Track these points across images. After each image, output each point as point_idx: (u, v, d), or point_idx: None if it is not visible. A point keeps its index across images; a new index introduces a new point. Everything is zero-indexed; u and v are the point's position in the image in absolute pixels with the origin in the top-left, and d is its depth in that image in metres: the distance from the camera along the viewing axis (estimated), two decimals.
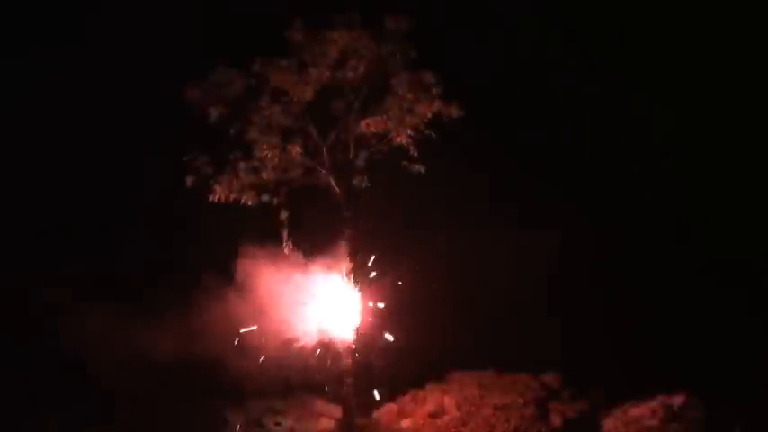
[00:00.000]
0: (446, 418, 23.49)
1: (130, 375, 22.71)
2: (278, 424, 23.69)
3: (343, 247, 22.75)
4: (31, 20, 25.42)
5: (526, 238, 24.69)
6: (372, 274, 23.02)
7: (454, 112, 22.25)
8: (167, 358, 22.41)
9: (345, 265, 22.69)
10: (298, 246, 22.80)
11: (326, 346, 22.86)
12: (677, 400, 22.42)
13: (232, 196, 22.21)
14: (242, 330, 22.76)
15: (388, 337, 22.92)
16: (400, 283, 23.05)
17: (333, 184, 22.75)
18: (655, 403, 22.56)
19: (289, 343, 22.71)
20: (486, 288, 24.04)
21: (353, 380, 22.80)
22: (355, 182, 22.77)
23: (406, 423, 23.72)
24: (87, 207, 24.70)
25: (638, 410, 22.66)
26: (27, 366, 23.27)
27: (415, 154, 22.40)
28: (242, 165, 22.21)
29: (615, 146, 25.61)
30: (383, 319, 22.94)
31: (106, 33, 24.71)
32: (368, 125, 22.40)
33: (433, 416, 23.65)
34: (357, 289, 22.81)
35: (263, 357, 22.70)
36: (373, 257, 23.06)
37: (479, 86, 23.43)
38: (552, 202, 25.39)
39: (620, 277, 25.10)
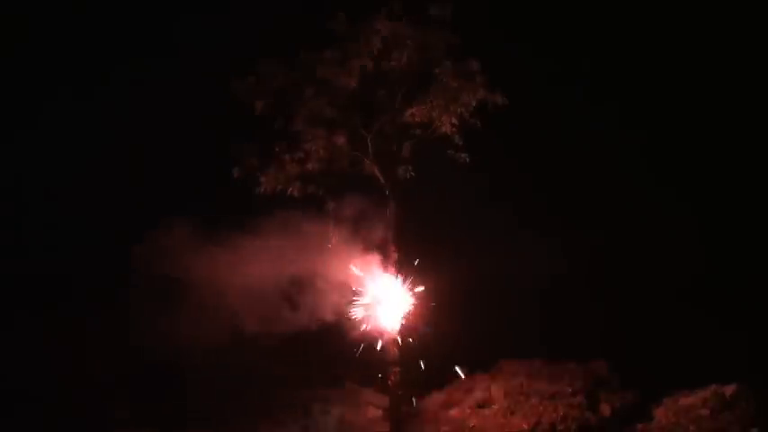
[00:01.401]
0: (494, 407, 23.46)
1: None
2: (326, 412, 23.87)
3: (388, 237, 22.78)
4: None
5: (573, 229, 24.51)
6: (417, 263, 23.03)
7: (499, 100, 22.13)
8: (218, 346, 22.68)
9: (391, 254, 22.75)
10: (343, 236, 22.88)
11: (373, 336, 22.91)
12: (729, 389, 22.13)
13: (278, 187, 22.43)
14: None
15: (430, 327, 22.87)
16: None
17: (377, 173, 22.77)
18: (706, 392, 22.29)
19: (336, 333, 22.84)
20: (533, 277, 23.87)
21: (400, 369, 22.85)
22: (400, 171, 22.73)
23: (453, 412, 23.73)
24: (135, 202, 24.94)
25: (689, 400, 22.41)
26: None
27: (460, 143, 22.36)
28: (288, 156, 22.38)
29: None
30: (429, 309, 22.90)
31: (151, 30, 25.06)
32: (412, 114, 22.39)
33: (480, 405, 23.64)
34: (403, 279, 22.85)
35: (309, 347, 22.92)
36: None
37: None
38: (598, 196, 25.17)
39: (670, 265, 24.79)
